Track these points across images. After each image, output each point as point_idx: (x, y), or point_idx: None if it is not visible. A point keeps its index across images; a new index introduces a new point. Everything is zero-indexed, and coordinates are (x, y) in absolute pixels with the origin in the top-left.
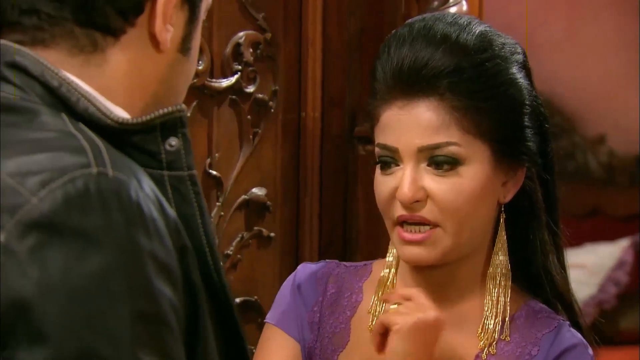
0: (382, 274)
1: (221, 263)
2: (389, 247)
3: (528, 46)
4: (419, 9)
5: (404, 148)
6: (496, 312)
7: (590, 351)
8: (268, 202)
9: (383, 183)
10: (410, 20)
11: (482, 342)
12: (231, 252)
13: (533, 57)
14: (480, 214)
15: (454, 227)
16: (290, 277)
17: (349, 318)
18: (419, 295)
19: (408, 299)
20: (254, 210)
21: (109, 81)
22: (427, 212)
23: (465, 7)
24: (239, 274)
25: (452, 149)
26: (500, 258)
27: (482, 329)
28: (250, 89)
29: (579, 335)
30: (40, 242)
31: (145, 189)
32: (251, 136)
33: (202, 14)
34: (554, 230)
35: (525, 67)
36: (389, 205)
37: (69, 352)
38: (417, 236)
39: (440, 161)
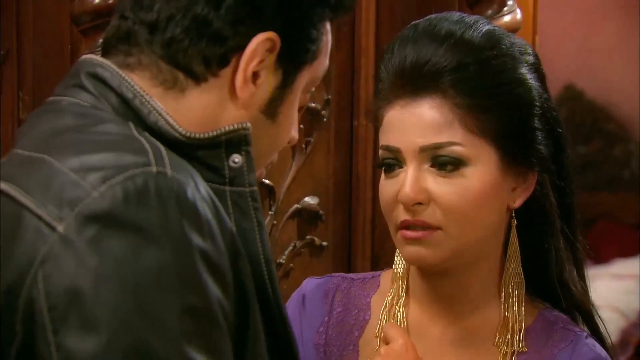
0: (389, 292)
1: (277, 280)
2: (395, 257)
3: (582, 52)
4: None
5: (405, 148)
6: (512, 323)
7: None
8: (320, 211)
9: (386, 186)
10: (416, 21)
11: (501, 355)
12: (283, 261)
13: (588, 63)
14: (486, 218)
15: (457, 231)
16: (294, 295)
17: (357, 339)
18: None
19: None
20: (306, 219)
21: (183, 112)
22: (429, 215)
23: (519, 16)
24: (291, 282)
25: (455, 149)
26: (513, 266)
27: (498, 339)
28: None
29: (598, 347)
30: (99, 234)
31: (201, 191)
32: (304, 145)
33: (300, 86)
34: (570, 240)
35: (537, 69)
36: (392, 209)
37: (119, 342)
38: (418, 233)
39: (443, 162)
